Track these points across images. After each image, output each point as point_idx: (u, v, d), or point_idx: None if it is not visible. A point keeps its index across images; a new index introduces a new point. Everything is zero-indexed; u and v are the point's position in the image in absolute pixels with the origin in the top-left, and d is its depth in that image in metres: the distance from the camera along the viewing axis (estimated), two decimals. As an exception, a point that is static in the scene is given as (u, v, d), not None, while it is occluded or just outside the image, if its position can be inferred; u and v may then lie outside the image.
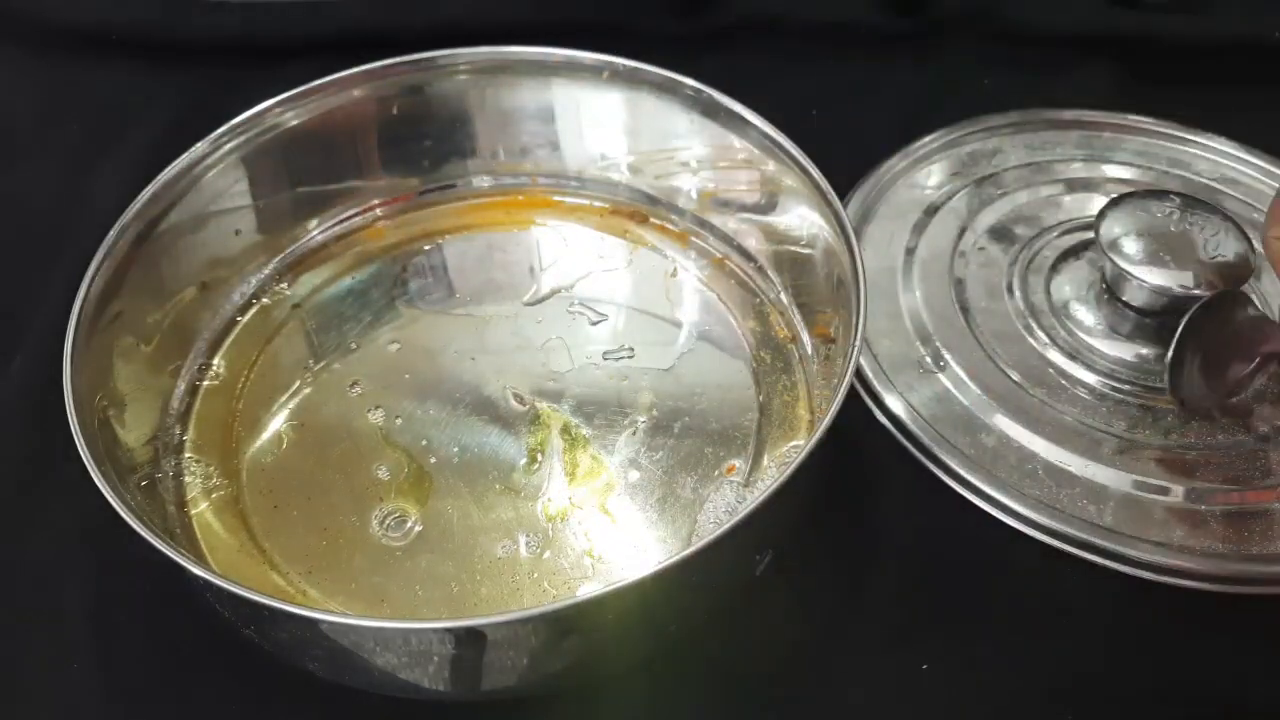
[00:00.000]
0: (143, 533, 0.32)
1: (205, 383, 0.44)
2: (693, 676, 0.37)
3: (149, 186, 0.42)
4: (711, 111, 0.45)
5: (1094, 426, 0.43)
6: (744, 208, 0.47)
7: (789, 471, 0.33)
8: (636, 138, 0.49)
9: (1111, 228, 0.44)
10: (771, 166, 0.44)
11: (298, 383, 0.44)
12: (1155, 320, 0.45)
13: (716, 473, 0.41)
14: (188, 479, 0.41)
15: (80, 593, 0.40)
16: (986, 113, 0.55)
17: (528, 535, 0.39)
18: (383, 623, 0.32)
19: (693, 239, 0.49)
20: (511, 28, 0.51)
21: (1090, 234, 0.45)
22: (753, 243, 0.47)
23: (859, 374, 0.45)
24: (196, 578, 0.31)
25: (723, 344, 0.45)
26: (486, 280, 0.48)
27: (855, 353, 0.35)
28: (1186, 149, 0.54)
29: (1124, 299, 0.45)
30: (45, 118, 0.59)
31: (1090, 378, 0.44)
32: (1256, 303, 0.47)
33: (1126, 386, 0.44)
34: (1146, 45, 0.59)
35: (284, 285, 0.47)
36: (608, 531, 0.39)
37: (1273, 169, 0.53)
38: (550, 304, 0.47)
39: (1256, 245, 0.44)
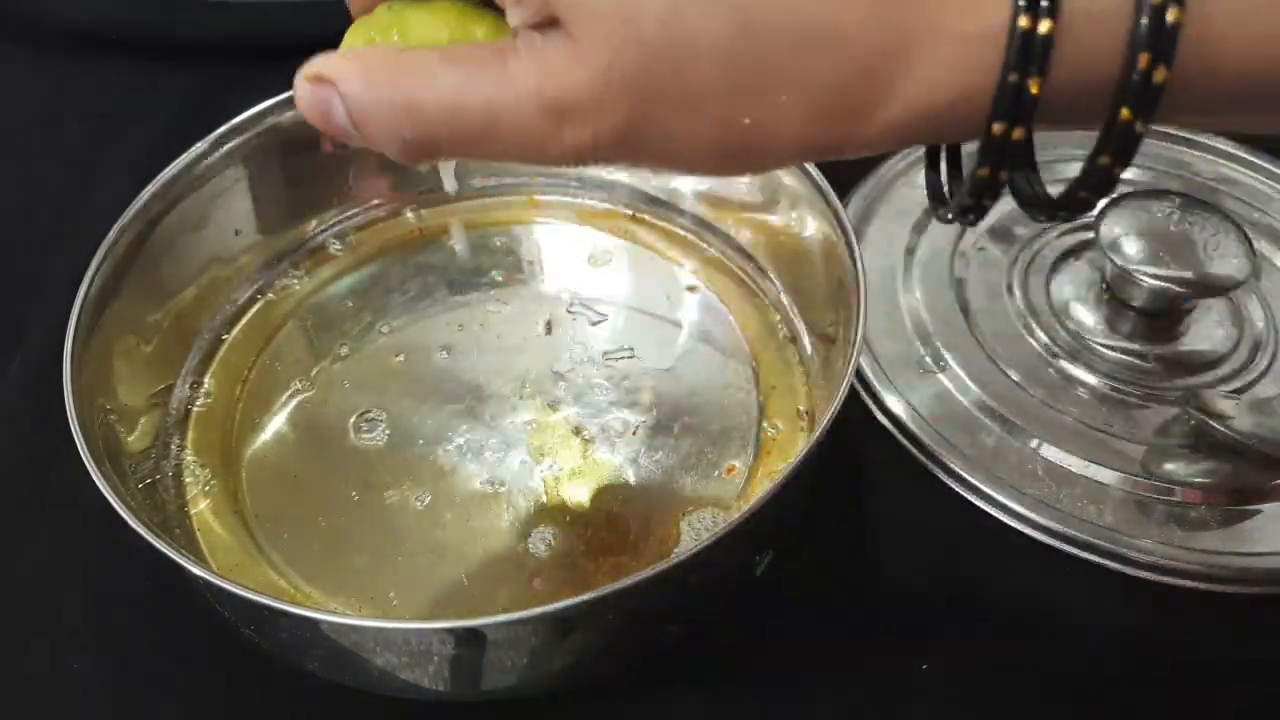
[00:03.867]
0: (143, 533, 0.32)
1: (205, 383, 0.44)
2: (693, 676, 0.37)
3: (149, 186, 0.42)
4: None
5: (1094, 426, 0.43)
6: (744, 208, 0.47)
7: (789, 471, 0.33)
8: (636, 138, 0.49)
9: (1111, 228, 0.44)
10: (771, 166, 0.44)
11: (298, 383, 0.44)
12: (1155, 320, 0.45)
13: (716, 473, 0.41)
14: (187, 479, 0.41)
15: (80, 593, 0.40)
16: (987, 113, 0.55)
17: (528, 535, 0.39)
18: (383, 623, 0.32)
19: (692, 239, 0.49)
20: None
21: (1090, 234, 0.45)
22: (753, 243, 0.47)
23: (859, 374, 0.45)
24: (196, 578, 0.31)
25: (723, 344, 0.45)
26: (486, 280, 0.48)
27: (855, 353, 0.35)
28: (1186, 149, 0.54)
29: (1124, 299, 0.45)
30: (45, 118, 0.59)
31: (1090, 378, 0.44)
32: (1257, 305, 0.47)
33: (1126, 386, 0.44)
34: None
35: (284, 285, 0.47)
36: (608, 531, 0.39)
37: (1273, 169, 0.53)
38: (550, 304, 0.47)
39: (1257, 245, 0.44)
